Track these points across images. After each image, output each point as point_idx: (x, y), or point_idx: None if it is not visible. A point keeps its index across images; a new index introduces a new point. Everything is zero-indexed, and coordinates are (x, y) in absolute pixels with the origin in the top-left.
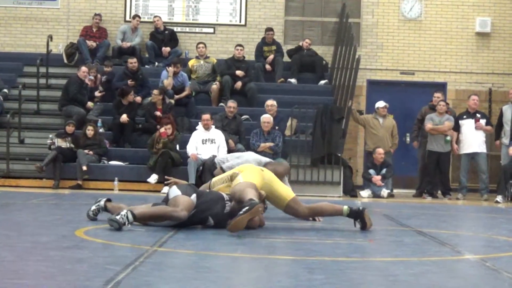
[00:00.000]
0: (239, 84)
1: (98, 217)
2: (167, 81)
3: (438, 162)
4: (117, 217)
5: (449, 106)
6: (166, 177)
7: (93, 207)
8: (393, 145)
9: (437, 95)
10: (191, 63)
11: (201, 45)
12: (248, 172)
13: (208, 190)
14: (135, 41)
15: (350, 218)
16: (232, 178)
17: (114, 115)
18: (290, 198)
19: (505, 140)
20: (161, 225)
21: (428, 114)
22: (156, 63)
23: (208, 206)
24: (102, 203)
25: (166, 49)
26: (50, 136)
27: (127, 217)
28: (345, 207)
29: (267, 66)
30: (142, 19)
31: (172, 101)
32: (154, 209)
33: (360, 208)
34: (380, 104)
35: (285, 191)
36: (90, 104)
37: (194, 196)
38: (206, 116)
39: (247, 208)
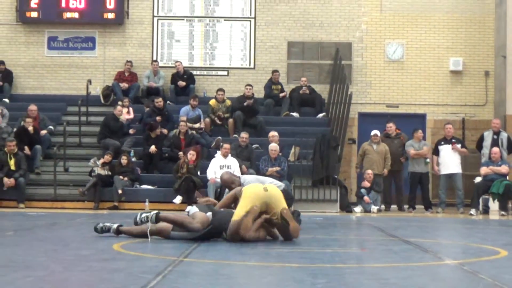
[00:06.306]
0: (250, 102)
1: (106, 235)
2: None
3: (420, 181)
4: (143, 215)
5: (400, 132)
6: (197, 197)
7: (101, 224)
8: (386, 166)
9: (389, 125)
10: (212, 104)
11: (220, 92)
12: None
13: (222, 209)
14: (159, 83)
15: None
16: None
17: (144, 146)
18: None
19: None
20: (185, 238)
21: (384, 141)
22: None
23: (222, 222)
24: (114, 227)
25: (182, 83)
26: (91, 160)
27: (151, 218)
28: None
29: (281, 95)
30: (166, 65)
31: (195, 132)
32: (176, 215)
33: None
34: (372, 132)
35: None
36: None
37: (210, 213)
38: (227, 146)
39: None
